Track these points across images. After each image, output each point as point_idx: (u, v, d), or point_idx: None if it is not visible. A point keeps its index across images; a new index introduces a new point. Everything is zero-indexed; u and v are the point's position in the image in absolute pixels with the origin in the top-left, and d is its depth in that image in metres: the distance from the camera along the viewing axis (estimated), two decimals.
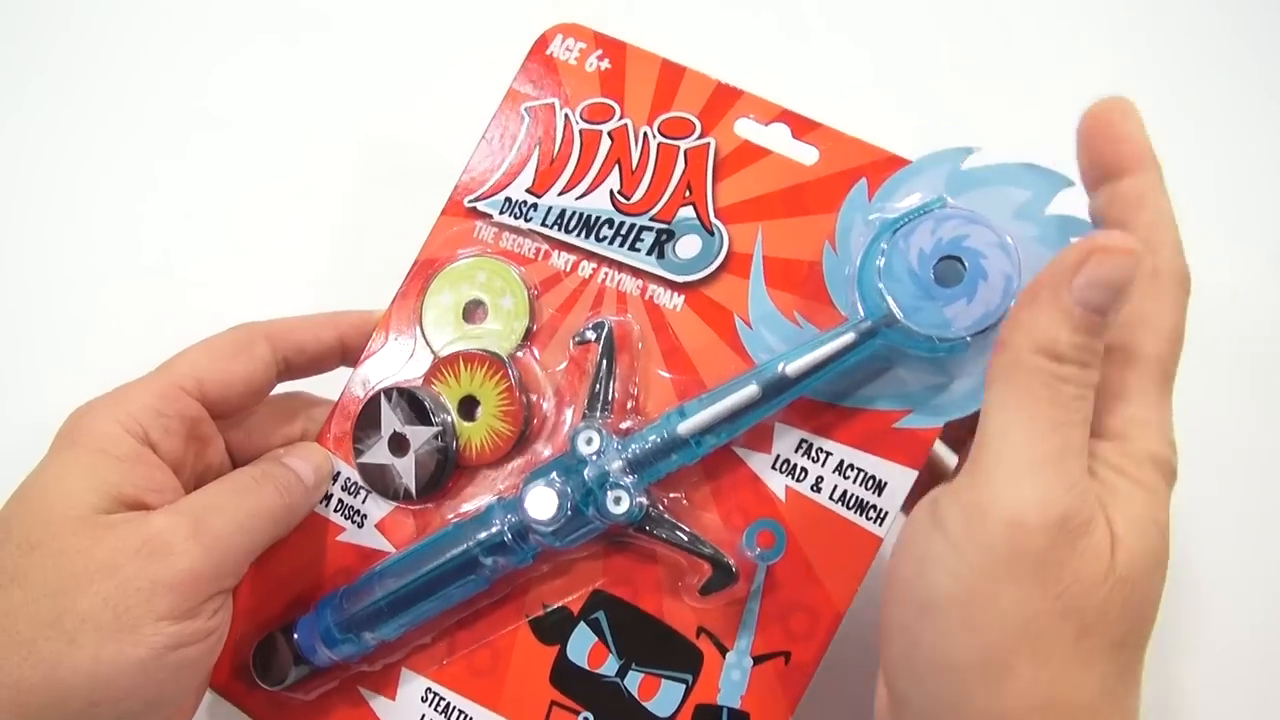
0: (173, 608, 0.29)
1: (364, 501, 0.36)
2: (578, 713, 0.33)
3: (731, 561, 0.32)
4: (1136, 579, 0.26)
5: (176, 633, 0.29)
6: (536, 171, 0.37)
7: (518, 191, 0.37)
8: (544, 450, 0.35)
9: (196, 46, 0.51)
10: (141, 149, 0.50)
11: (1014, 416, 0.26)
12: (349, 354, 0.38)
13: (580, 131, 0.36)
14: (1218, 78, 0.51)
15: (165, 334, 0.35)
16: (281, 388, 0.38)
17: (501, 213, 0.37)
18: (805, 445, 0.33)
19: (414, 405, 0.35)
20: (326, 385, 0.39)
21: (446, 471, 0.35)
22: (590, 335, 0.34)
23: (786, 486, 0.33)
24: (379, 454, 0.36)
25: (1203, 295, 0.29)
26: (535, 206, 0.36)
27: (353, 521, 0.36)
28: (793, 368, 0.31)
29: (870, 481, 0.32)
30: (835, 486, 0.33)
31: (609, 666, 0.34)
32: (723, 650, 0.33)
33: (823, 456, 0.33)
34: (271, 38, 0.52)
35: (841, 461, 0.33)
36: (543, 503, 0.32)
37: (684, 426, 0.32)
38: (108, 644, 0.28)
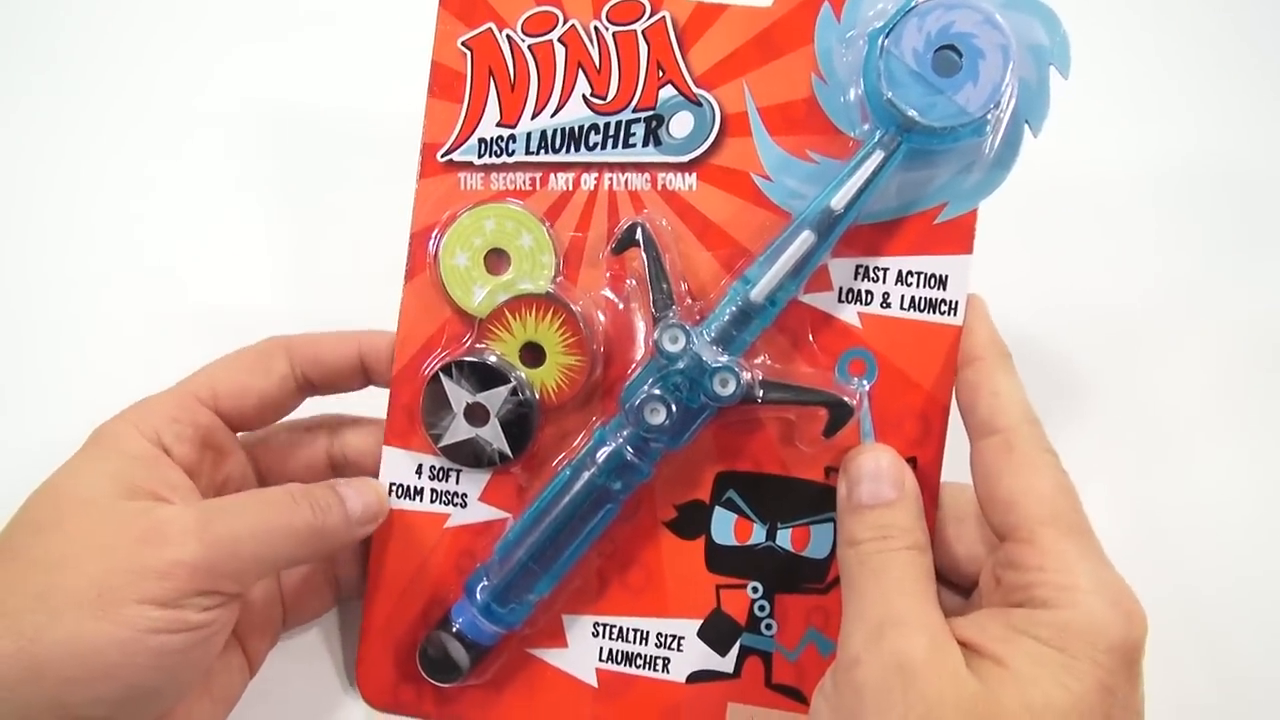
0: (160, 594, 0.29)
1: (458, 482, 0.36)
2: (744, 584, 0.35)
3: (844, 397, 0.33)
4: None
5: (159, 618, 0.29)
6: (500, 103, 0.35)
7: (489, 129, 0.35)
8: (625, 369, 0.35)
9: (195, 45, 0.49)
10: (140, 148, 0.48)
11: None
12: (372, 374, 0.37)
13: (529, 48, 0.35)
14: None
15: (165, 334, 0.35)
16: (317, 409, 0.37)
17: (481, 156, 0.36)
18: (862, 270, 0.34)
19: (478, 371, 0.35)
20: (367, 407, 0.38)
21: (533, 422, 0.35)
22: (629, 239, 0.34)
23: (858, 313, 0.34)
24: (459, 430, 0.35)
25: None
26: (514, 138, 0.35)
27: (454, 505, 0.36)
28: (837, 201, 0.32)
29: (932, 280, 0.34)
30: (902, 296, 0.34)
31: (757, 535, 0.35)
32: None
33: (880, 274, 0.34)
34: (268, 35, 0.49)
35: (900, 272, 0.34)
36: (652, 409, 0.32)
37: (756, 292, 0.32)
38: (87, 621, 0.28)
